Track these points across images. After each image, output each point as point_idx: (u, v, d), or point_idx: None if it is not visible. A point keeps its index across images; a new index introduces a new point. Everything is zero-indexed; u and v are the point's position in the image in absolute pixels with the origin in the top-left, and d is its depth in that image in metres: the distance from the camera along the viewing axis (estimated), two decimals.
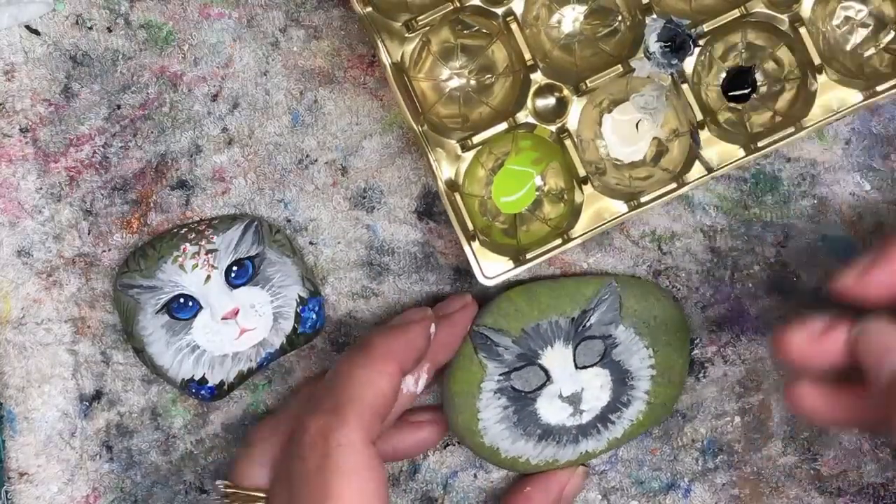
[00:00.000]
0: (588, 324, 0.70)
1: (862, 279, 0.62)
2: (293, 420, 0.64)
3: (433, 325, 0.68)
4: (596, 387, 0.71)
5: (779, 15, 0.67)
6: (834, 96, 0.67)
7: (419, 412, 0.72)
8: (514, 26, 0.67)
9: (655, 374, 0.72)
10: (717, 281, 0.73)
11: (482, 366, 0.70)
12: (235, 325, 0.71)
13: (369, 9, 0.67)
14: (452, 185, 0.68)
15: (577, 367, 0.70)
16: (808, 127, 0.67)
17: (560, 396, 0.71)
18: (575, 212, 0.68)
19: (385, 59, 0.67)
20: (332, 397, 0.62)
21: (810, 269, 0.73)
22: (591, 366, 0.71)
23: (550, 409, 0.71)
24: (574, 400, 0.71)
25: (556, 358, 0.70)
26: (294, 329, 0.71)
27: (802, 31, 0.67)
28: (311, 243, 0.73)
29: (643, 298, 0.71)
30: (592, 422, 0.72)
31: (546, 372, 0.70)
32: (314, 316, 0.72)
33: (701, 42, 0.67)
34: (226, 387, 0.71)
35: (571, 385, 0.71)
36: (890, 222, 0.72)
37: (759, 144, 0.67)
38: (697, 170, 0.67)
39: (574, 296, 0.70)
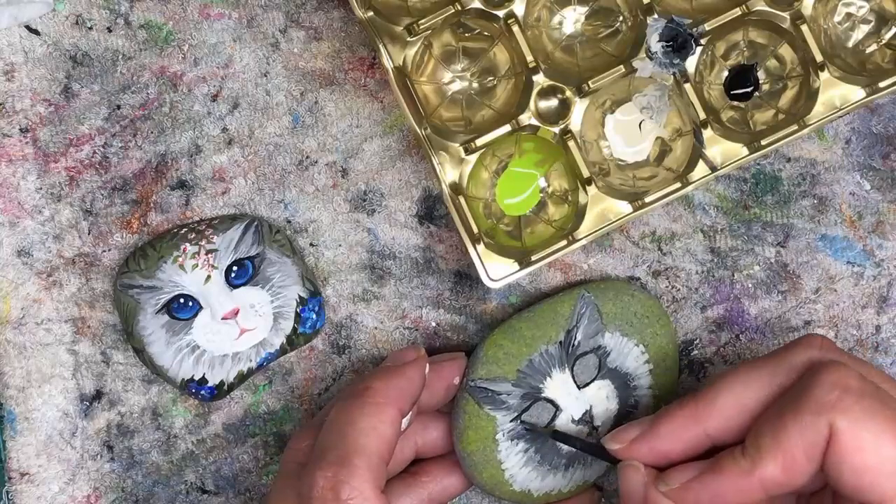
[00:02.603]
0: (576, 342, 0.69)
1: (630, 448, 0.63)
2: (299, 469, 0.63)
3: (427, 366, 0.67)
4: (602, 399, 0.70)
5: (780, 13, 0.66)
6: (836, 93, 0.67)
7: (436, 461, 0.72)
8: (515, 28, 0.67)
9: (652, 367, 0.71)
10: (717, 281, 0.72)
11: (491, 418, 0.69)
12: (235, 325, 0.70)
13: (370, 13, 0.66)
14: (456, 189, 0.67)
15: (578, 387, 0.69)
16: (812, 124, 0.66)
17: (573, 421, 0.70)
18: (579, 213, 0.67)
19: (387, 63, 0.67)
20: (338, 447, 0.61)
21: (810, 269, 0.72)
22: (592, 381, 0.70)
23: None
24: (587, 419, 0.70)
25: (558, 385, 0.69)
26: (294, 329, 0.71)
27: (804, 28, 0.66)
28: (311, 245, 0.72)
29: (618, 299, 0.70)
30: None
31: (553, 402, 0.69)
32: (314, 316, 0.71)
33: (702, 41, 0.67)
34: (226, 387, 0.70)
35: (580, 406, 0.70)
36: (890, 222, 0.72)
37: (763, 142, 0.67)
38: (701, 169, 0.67)
39: (553, 319, 0.69)
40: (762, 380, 0.60)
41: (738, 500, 0.59)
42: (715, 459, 0.60)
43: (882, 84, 0.66)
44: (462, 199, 0.67)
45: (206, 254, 0.69)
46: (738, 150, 0.67)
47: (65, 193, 0.71)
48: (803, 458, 0.57)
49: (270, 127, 0.71)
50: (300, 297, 0.70)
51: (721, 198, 0.72)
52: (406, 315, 0.73)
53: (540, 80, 0.67)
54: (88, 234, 0.71)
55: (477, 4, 0.66)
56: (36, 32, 0.70)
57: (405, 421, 0.65)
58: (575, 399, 0.69)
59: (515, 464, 0.69)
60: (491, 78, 0.69)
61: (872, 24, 0.69)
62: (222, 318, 0.69)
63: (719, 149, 0.66)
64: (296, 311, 0.70)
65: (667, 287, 0.72)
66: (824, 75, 0.66)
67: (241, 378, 0.71)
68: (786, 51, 0.68)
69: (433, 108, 0.69)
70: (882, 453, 0.56)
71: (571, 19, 0.69)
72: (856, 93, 0.66)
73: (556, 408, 0.69)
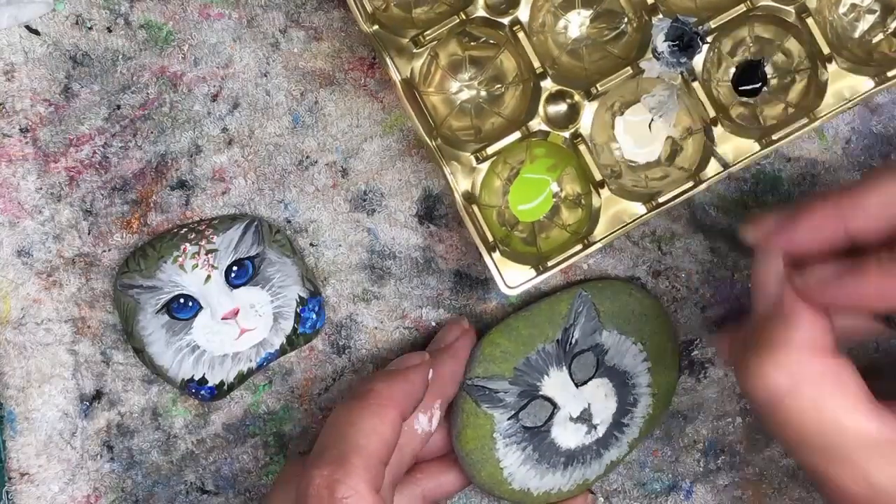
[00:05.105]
0: (573, 340, 0.68)
1: (767, 238, 0.58)
2: (298, 467, 0.63)
3: (431, 370, 0.66)
4: (601, 397, 0.68)
5: (785, 7, 0.65)
6: (845, 85, 0.65)
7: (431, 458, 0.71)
8: (521, 35, 0.65)
9: (651, 365, 0.69)
10: (718, 281, 0.71)
11: (488, 416, 0.67)
12: (235, 325, 0.68)
13: (376, 27, 0.65)
14: (469, 198, 0.66)
15: (576, 385, 0.68)
16: (822, 117, 0.65)
17: (571, 419, 0.68)
18: (593, 216, 0.66)
19: (395, 76, 0.65)
20: (336, 447, 0.60)
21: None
22: (590, 379, 0.68)
23: (566, 434, 0.68)
24: (585, 417, 0.68)
25: (555, 383, 0.68)
26: (294, 329, 0.69)
27: (809, 21, 0.65)
28: (311, 245, 0.70)
29: (616, 298, 0.69)
30: (609, 431, 0.69)
31: (550, 400, 0.68)
32: (314, 316, 0.69)
33: (709, 39, 0.65)
34: (226, 387, 0.69)
35: (578, 404, 0.68)
36: None
37: (774, 137, 0.65)
38: (713, 167, 0.65)
39: (551, 318, 0.68)
40: None
41: (880, 305, 0.55)
42: (858, 261, 0.55)
43: (890, 73, 0.65)
44: (476, 208, 0.65)
45: (206, 254, 0.68)
46: (750, 145, 0.65)
47: (65, 193, 0.69)
48: None
49: (270, 127, 0.69)
50: (300, 297, 0.69)
51: (721, 198, 0.70)
52: (406, 315, 0.71)
53: (548, 85, 0.65)
54: (88, 234, 0.69)
55: (481, 13, 0.65)
56: (36, 32, 0.68)
57: (434, 420, 0.64)
58: (573, 397, 0.68)
59: (514, 462, 0.68)
60: (499, 85, 0.68)
61: (878, 13, 0.68)
62: (222, 318, 0.68)
63: (730, 145, 0.65)
64: (296, 311, 0.69)
65: (667, 287, 0.71)
66: (832, 67, 0.65)
67: (241, 378, 0.69)
68: (792, 44, 0.67)
69: (442, 119, 0.67)
70: None
71: (576, 23, 0.68)
72: (864, 83, 0.65)
73: (554, 406, 0.68)
